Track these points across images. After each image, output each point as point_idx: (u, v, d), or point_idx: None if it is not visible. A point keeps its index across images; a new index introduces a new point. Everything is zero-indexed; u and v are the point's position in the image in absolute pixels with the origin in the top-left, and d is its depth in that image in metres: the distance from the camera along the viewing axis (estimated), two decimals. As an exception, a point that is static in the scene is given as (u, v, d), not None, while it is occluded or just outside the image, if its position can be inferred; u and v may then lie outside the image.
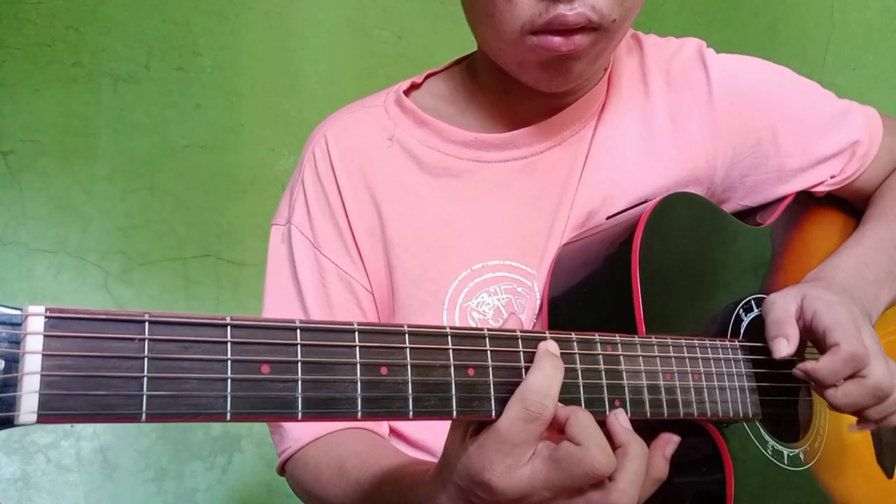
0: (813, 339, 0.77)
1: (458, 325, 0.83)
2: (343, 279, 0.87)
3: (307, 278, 0.87)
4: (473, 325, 0.83)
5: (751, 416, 0.76)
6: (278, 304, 0.89)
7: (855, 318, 0.76)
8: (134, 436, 1.74)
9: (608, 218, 0.87)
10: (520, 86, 0.84)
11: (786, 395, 0.82)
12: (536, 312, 0.85)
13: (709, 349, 0.74)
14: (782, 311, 0.77)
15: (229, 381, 0.45)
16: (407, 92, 0.92)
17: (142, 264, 1.80)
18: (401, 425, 0.89)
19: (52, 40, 1.79)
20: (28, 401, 0.39)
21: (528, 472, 0.56)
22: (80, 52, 1.81)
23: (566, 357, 0.61)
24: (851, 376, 0.74)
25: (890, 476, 0.93)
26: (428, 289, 0.85)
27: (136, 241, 1.80)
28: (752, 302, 0.85)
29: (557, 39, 0.74)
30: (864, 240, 0.90)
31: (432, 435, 0.86)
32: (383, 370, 0.50)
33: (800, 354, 0.85)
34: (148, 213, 1.83)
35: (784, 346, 0.75)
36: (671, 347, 0.70)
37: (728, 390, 0.74)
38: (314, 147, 0.91)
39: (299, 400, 0.48)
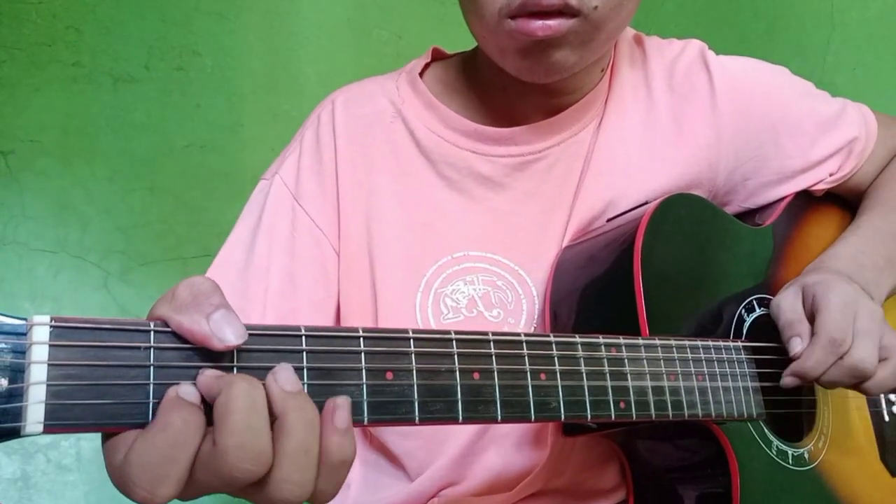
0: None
1: (429, 308, 0.84)
2: (313, 234, 0.86)
3: (275, 225, 0.86)
4: (446, 312, 0.84)
5: (755, 416, 0.76)
6: (231, 245, 0.87)
7: (850, 297, 0.77)
8: (135, 436, 1.73)
9: (609, 220, 0.87)
10: (517, 83, 0.84)
11: (789, 395, 0.82)
12: (531, 312, 0.85)
13: (712, 350, 0.74)
14: (791, 312, 0.79)
15: (235, 388, 0.45)
16: (421, 73, 0.92)
17: (142, 264, 1.79)
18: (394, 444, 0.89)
19: (52, 40, 1.78)
20: (34, 411, 0.38)
21: None
22: (80, 52, 1.80)
23: (571, 360, 0.61)
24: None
25: (893, 474, 0.93)
26: (406, 268, 0.85)
27: (136, 241, 1.80)
28: (754, 302, 0.85)
29: (534, 23, 0.73)
30: (860, 230, 0.91)
31: (415, 446, 0.86)
32: (389, 375, 0.50)
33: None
34: (148, 213, 1.82)
35: (799, 344, 0.77)
36: (675, 349, 0.70)
37: (732, 391, 0.74)
38: (321, 111, 0.91)
39: (305, 406, 0.47)
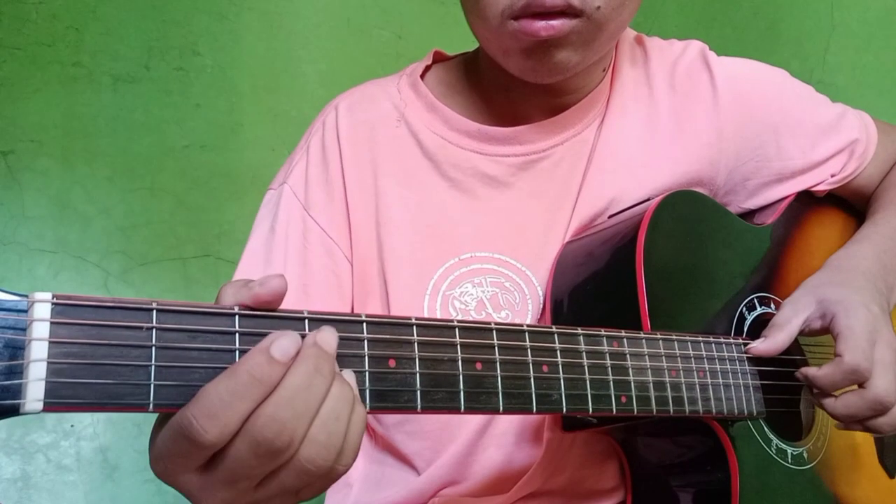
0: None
1: (437, 311, 0.83)
2: (325, 244, 0.86)
3: (288, 236, 0.86)
4: (455, 315, 0.83)
5: (755, 414, 0.76)
6: (247, 259, 0.87)
7: (872, 323, 0.76)
8: (134, 436, 1.73)
9: (611, 216, 0.87)
10: (520, 84, 0.84)
11: (789, 394, 0.82)
12: (536, 312, 0.85)
13: (713, 347, 0.74)
14: (785, 319, 0.78)
15: (237, 371, 0.45)
16: (422, 75, 0.92)
17: (142, 264, 1.79)
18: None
19: (52, 40, 1.79)
20: (34, 388, 0.38)
21: None
22: (80, 52, 1.81)
23: (573, 352, 0.61)
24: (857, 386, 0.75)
25: (892, 475, 0.93)
26: (413, 272, 0.85)
27: (136, 241, 1.80)
28: (755, 300, 0.85)
29: (537, 24, 0.74)
30: (880, 228, 0.91)
31: (423, 446, 0.86)
32: (391, 363, 0.50)
33: (800, 353, 0.85)
34: (148, 213, 1.82)
35: (758, 344, 0.77)
36: (676, 344, 0.70)
37: (733, 388, 0.74)
38: (325, 118, 0.91)
39: (307, 391, 0.47)
